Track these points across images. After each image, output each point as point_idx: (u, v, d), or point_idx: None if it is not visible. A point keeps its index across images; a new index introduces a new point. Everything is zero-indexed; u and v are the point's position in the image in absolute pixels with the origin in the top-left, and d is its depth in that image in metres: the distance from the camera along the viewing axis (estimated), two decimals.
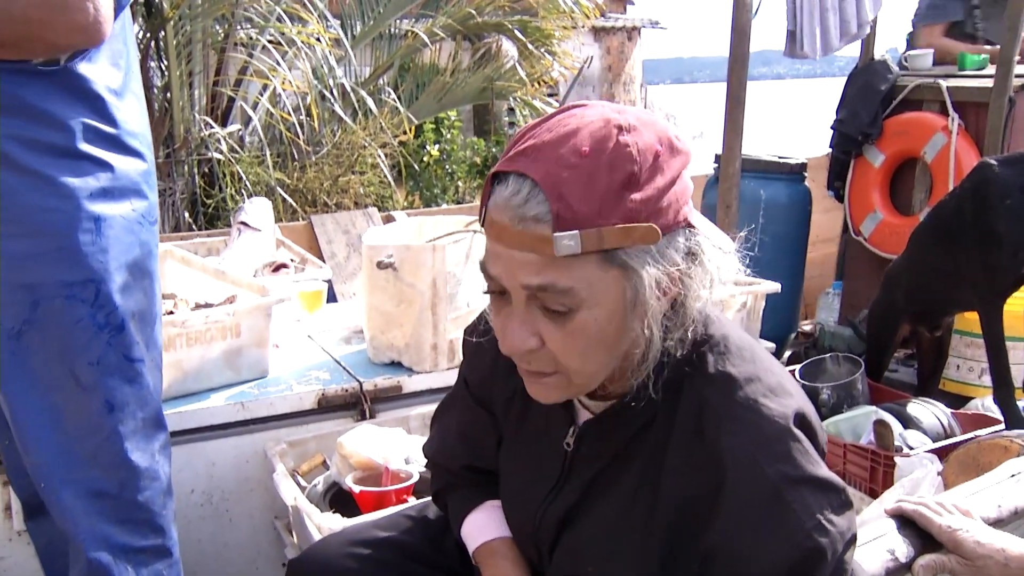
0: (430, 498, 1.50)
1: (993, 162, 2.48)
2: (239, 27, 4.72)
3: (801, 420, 1.08)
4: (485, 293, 1.06)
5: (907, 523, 1.48)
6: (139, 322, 1.57)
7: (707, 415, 1.06)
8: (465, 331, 1.36)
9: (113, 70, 1.49)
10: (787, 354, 4.26)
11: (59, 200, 1.43)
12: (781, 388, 1.09)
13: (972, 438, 2.10)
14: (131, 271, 1.54)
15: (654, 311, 1.00)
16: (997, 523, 1.52)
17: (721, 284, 1.06)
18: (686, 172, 1.03)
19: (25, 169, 1.40)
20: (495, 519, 1.34)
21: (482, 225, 1.02)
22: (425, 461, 1.51)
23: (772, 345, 3.06)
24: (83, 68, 1.44)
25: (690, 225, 1.02)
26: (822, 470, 1.05)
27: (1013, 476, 1.64)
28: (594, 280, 0.96)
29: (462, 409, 1.39)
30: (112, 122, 1.49)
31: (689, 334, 1.06)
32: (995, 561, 1.38)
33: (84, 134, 1.45)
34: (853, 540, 1.07)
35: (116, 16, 1.44)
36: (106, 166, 1.48)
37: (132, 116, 1.53)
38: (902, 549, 1.43)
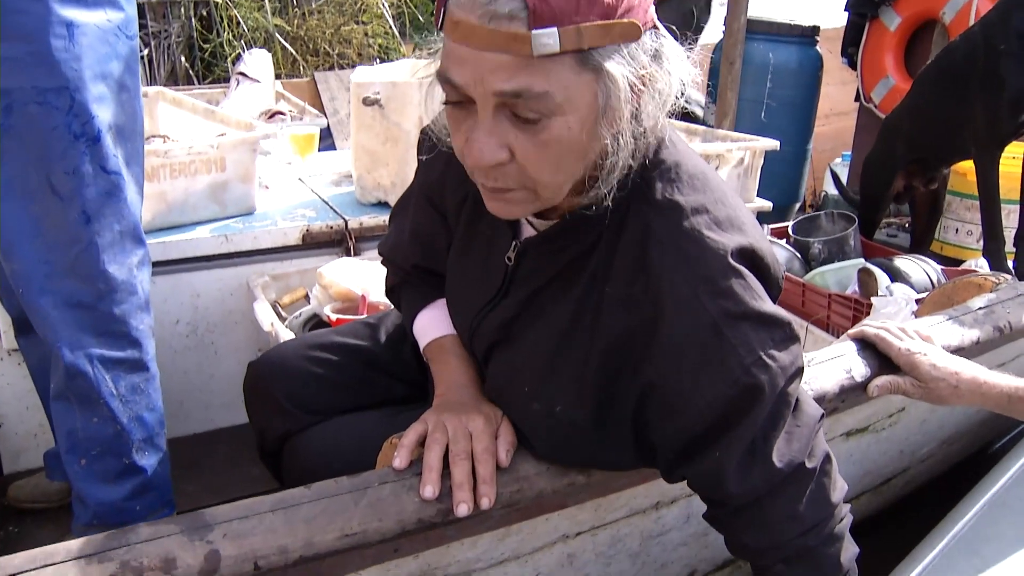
0: (388, 310, 1.51)
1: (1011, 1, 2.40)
2: None
3: (750, 254, 1.05)
4: (444, 104, 0.97)
5: (867, 346, 1.49)
6: (117, 135, 1.56)
7: (650, 244, 1.03)
8: (422, 130, 1.32)
9: None
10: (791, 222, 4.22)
11: (28, 2, 1.40)
12: (729, 221, 1.06)
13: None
14: (107, 82, 1.52)
15: (624, 118, 0.95)
16: (958, 352, 1.53)
17: (680, 93, 1.00)
18: None
19: None
20: (445, 317, 1.34)
21: (440, 28, 0.94)
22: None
23: (768, 204, 3.03)
24: None
25: (655, 26, 0.98)
26: (766, 305, 1.03)
27: (980, 309, 1.64)
28: (568, 84, 0.89)
29: (416, 209, 1.37)
30: None
31: (642, 149, 1.01)
32: (947, 384, 1.39)
33: None
34: (798, 373, 1.06)
35: None
36: None
37: None
38: (860, 369, 1.44)
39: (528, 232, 1.16)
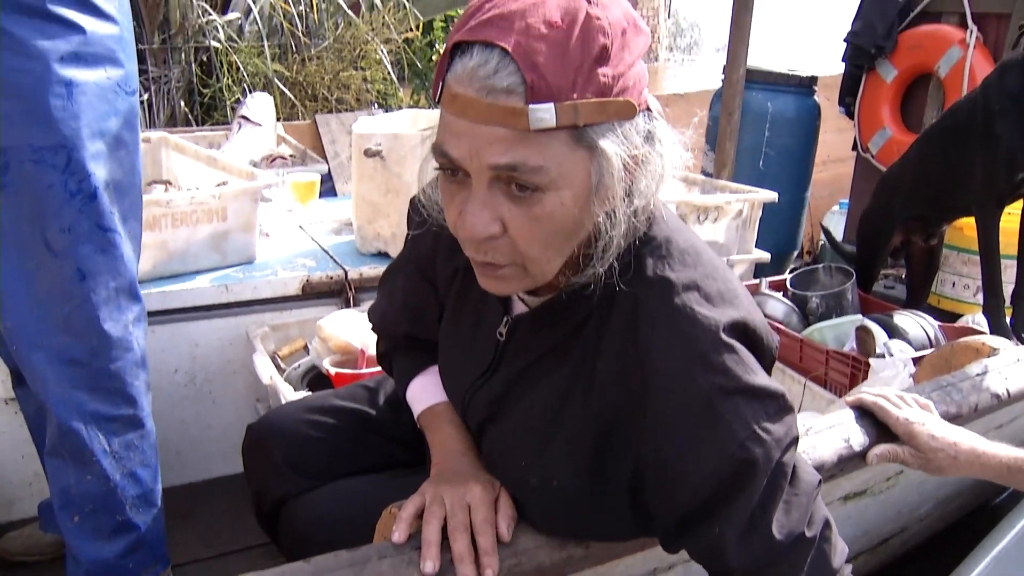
0: (377, 373, 1.51)
1: (1009, 61, 2.44)
2: None
3: (742, 328, 1.05)
4: (436, 169, 0.98)
5: (865, 414, 1.49)
6: (114, 192, 1.56)
7: (641, 320, 1.03)
8: (411, 202, 1.33)
9: None
10: (788, 270, 4.23)
11: (28, 61, 1.40)
12: (720, 296, 1.06)
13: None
14: (105, 139, 1.52)
15: (617, 196, 0.97)
16: (956, 419, 1.53)
17: (672, 176, 1.02)
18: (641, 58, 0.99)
19: None
20: (438, 384, 1.33)
21: (437, 101, 0.95)
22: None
23: (766, 256, 3.05)
24: None
25: (648, 108, 0.99)
26: (758, 378, 1.03)
27: (979, 375, 1.64)
28: (563, 159, 0.91)
29: (407, 277, 1.37)
30: None
31: (633, 228, 1.02)
32: (945, 454, 1.39)
33: None
34: (793, 443, 1.06)
35: None
36: (77, 29, 1.45)
37: None
38: (858, 438, 1.44)
39: (519, 308, 1.17)
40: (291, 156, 3.67)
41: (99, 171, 1.51)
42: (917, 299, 3.01)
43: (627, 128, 0.95)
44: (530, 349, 1.14)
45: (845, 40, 4.09)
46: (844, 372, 2.31)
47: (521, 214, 0.94)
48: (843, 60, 4.19)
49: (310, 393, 1.88)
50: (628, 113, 0.93)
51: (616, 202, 0.97)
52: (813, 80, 4.22)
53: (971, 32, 3.59)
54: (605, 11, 0.92)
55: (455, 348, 1.27)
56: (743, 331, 1.05)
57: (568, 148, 0.91)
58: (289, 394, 1.88)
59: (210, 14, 4.44)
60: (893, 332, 2.45)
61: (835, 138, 4.84)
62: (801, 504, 1.07)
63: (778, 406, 1.04)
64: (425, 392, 1.34)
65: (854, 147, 4.32)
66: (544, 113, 0.88)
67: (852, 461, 1.43)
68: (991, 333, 2.41)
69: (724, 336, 1.02)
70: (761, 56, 4.59)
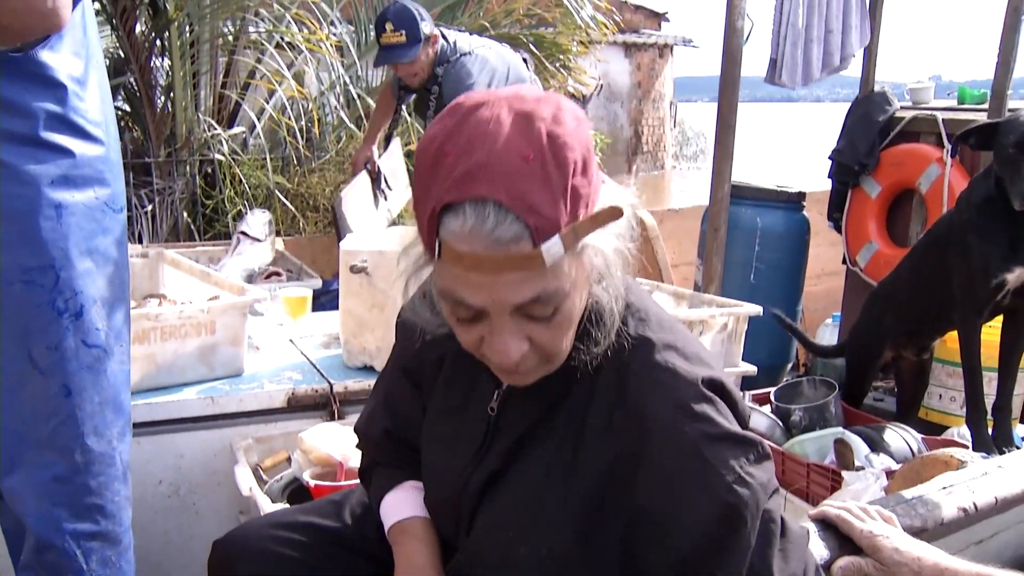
0: (355, 485, 1.52)
1: (976, 175, 2.53)
2: (250, 28, 4.79)
3: (719, 385, 1.12)
4: (458, 320, 1.03)
5: (829, 527, 1.49)
6: (102, 307, 1.58)
7: (627, 378, 1.10)
8: (399, 322, 1.37)
9: (75, 59, 1.52)
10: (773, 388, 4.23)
11: (21, 187, 1.45)
12: (697, 357, 1.14)
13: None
14: (93, 257, 1.56)
15: (617, 275, 1.05)
16: (921, 532, 1.53)
17: (631, 238, 1.06)
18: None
19: None
20: (412, 499, 1.36)
21: (437, 258, 0.97)
22: None
23: (753, 369, 3.06)
24: (45, 56, 1.47)
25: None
26: (737, 427, 1.10)
27: (944, 488, 1.65)
28: (572, 271, 0.99)
29: (390, 380, 1.41)
30: (74, 110, 1.52)
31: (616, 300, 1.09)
32: (909, 569, 1.39)
33: (46, 122, 1.47)
34: (776, 491, 1.12)
35: (75, 5, 1.49)
36: (67, 153, 1.50)
37: (94, 105, 1.57)
38: (820, 551, 1.44)
39: None
40: (287, 271, 3.76)
41: (87, 288, 1.54)
42: (906, 414, 3.02)
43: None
44: (521, 419, 1.17)
45: (830, 158, 4.21)
46: (825, 485, 2.31)
47: (543, 327, 1.02)
48: (829, 177, 4.30)
49: (286, 506, 1.89)
50: (616, 214, 0.99)
51: (614, 284, 1.06)
52: (801, 196, 4.32)
53: (947, 151, 3.70)
54: (557, 123, 0.96)
55: (443, 438, 1.29)
56: (720, 389, 1.12)
57: (574, 260, 0.99)
58: (267, 506, 1.89)
59: (215, 128, 4.60)
60: (875, 445, 2.46)
61: (828, 252, 4.92)
62: (798, 553, 1.12)
63: (758, 453, 1.10)
64: (396, 507, 1.36)
65: (844, 261, 4.39)
66: (553, 248, 0.94)
67: None
68: (974, 446, 2.42)
69: (703, 388, 1.09)
70: (752, 173, 4.71)
